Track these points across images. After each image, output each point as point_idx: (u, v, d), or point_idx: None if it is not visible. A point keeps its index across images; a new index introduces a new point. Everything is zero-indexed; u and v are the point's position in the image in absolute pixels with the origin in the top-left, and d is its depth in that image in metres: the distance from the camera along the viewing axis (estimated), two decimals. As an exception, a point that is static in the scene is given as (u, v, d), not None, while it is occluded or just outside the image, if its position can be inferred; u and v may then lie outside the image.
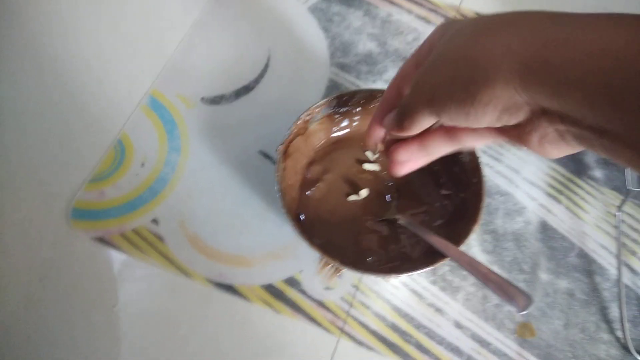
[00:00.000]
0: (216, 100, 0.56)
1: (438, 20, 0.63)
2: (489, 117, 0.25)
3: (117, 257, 0.48)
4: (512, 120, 0.25)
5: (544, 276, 0.48)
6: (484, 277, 0.39)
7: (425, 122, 0.30)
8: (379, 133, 0.37)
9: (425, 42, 0.32)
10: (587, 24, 0.22)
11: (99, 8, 0.62)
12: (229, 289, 0.47)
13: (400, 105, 0.32)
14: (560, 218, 0.51)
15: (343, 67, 0.59)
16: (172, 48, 0.59)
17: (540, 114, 0.24)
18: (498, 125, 0.26)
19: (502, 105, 0.24)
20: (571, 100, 0.22)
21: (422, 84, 0.29)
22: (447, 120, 0.28)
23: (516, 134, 0.27)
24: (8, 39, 0.59)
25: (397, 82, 0.35)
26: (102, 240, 0.48)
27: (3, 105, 0.55)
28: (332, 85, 0.58)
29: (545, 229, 0.51)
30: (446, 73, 0.27)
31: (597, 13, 0.22)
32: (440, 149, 0.34)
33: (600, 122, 0.22)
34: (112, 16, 0.62)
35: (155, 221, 0.49)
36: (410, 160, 0.36)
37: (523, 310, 0.36)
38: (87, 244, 0.48)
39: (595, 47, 0.21)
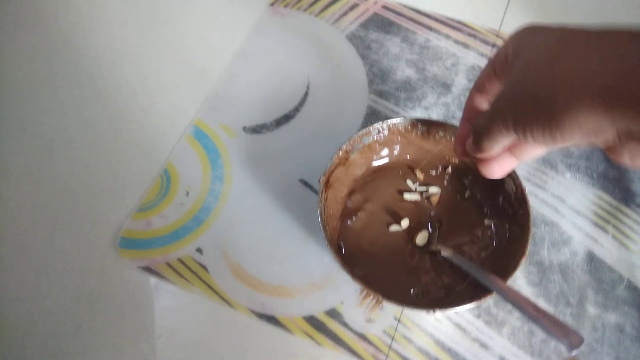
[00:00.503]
0: (257, 130, 0.57)
1: (477, 45, 0.63)
2: (575, 139, 0.26)
3: (163, 286, 0.49)
4: (600, 140, 0.26)
5: (591, 310, 0.47)
6: (533, 314, 0.38)
7: (505, 142, 0.31)
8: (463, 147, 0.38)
9: (501, 50, 0.32)
10: None
11: (145, 40, 0.64)
12: (271, 319, 0.47)
13: (476, 124, 0.33)
14: (607, 249, 0.50)
15: (382, 94, 0.59)
16: (214, 78, 0.61)
17: (629, 134, 0.24)
18: (586, 144, 0.27)
19: (587, 129, 0.25)
20: None
21: (503, 108, 0.29)
22: (531, 141, 0.28)
23: (607, 147, 0.27)
24: (57, 69, 0.62)
25: (475, 90, 0.36)
26: (149, 269, 0.49)
27: (53, 136, 0.57)
28: (371, 113, 0.58)
29: (592, 260, 0.49)
30: (528, 98, 0.27)
31: None
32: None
33: None
34: (156, 47, 0.64)
35: (199, 250, 0.50)
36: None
37: (573, 349, 0.36)
38: (134, 272, 0.49)
39: None
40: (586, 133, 0.25)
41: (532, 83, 0.27)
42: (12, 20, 0.66)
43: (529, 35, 0.30)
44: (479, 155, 0.35)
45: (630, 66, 0.22)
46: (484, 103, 0.37)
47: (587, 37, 0.26)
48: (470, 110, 0.38)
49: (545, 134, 0.27)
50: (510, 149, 0.35)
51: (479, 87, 0.36)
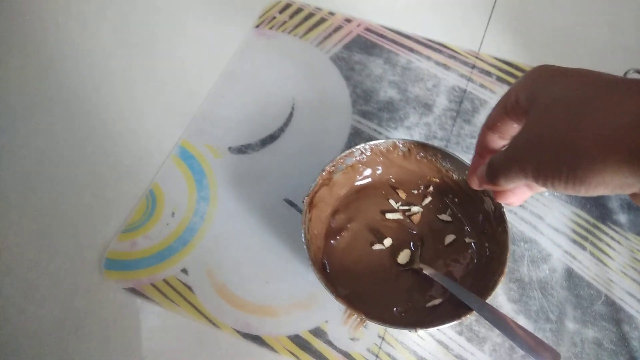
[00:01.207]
0: (243, 150, 0.58)
1: (457, 66, 0.64)
2: (600, 193, 0.26)
3: (148, 308, 0.49)
4: (627, 192, 0.26)
5: (570, 325, 0.48)
6: (511, 331, 0.39)
7: (521, 183, 0.32)
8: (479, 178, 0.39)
9: (511, 90, 0.32)
10: None
11: (132, 61, 0.65)
12: (256, 339, 0.47)
13: (493, 163, 0.33)
14: (585, 265, 0.51)
15: (365, 114, 0.61)
16: (200, 99, 0.62)
17: None
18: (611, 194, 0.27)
19: (614, 185, 0.25)
20: None
21: (523, 157, 0.30)
22: (552, 190, 0.29)
23: (632, 195, 0.27)
24: (45, 90, 0.62)
25: (486, 128, 0.37)
26: (134, 291, 0.49)
27: (40, 157, 0.57)
28: (355, 133, 0.59)
29: (570, 276, 0.51)
30: (550, 150, 0.27)
31: None
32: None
33: None
34: (144, 69, 0.65)
35: (184, 271, 0.50)
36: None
37: (551, 366, 0.37)
38: (119, 294, 0.49)
39: None
40: (612, 189, 0.25)
41: (554, 135, 0.27)
42: (0, 42, 0.67)
43: (545, 79, 0.30)
44: (493, 188, 0.36)
45: None
46: (496, 140, 0.37)
47: (608, 90, 0.26)
48: (482, 147, 0.38)
49: (568, 187, 0.27)
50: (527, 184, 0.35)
51: (490, 126, 0.36)
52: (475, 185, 0.39)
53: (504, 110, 0.33)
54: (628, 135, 0.23)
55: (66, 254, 0.51)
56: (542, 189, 0.35)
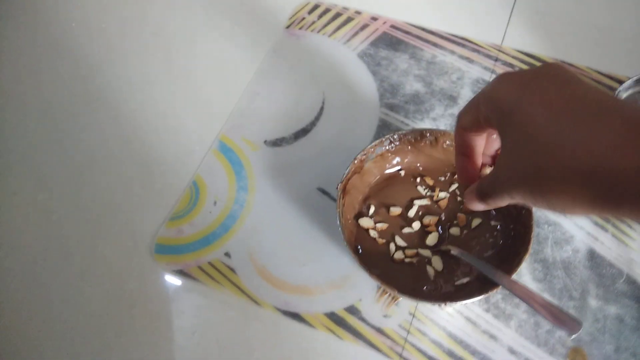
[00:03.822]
0: (277, 143, 0.62)
1: (480, 59, 0.67)
2: (580, 215, 0.29)
3: (195, 288, 0.53)
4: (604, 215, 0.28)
5: (593, 302, 0.50)
6: (536, 304, 0.42)
7: (511, 202, 0.34)
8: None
9: (479, 103, 0.33)
10: None
11: (172, 63, 0.70)
12: (295, 316, 0.51)
13: (482, 190, 0.35)
14: (607, 246, 0.53)
15: (392, 107, 0.64)
16: (237, 96, 0.66)
17: None
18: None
19: (587, 213, 0.28)
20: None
21: (509, 190, 0.31)
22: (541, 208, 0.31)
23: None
24: (90, 92, 0.67)
25: (462, 130, 0.37)
26: (182, 273, 0.54)
27: (91, 153, 0.62)
28: (383, 125, 0.63)
29: (593, 256, 0.53)
30: (529, 184, 0.29)
31: None
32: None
33: None
34: (184, 70, 0.69)
35: (227, 254, 0.54)
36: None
37: (573, 334, 0.39)
38: (168, 276, 0.54)
39: None
40: (589, 214, 0.28)
41: (541, 162, 0.28)
42: (47, 51, 0.72)
43: (515, 98, 0.30)
44: (487, 208, 0.38)
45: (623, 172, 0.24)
46: (474, 138, 0.37)
47: (577, 122, 0.27)
48: (464, 146, 0.38)
49: (551, 210, 0.29)
50: None
51: (465, 129, 0.37)
52: (472, 207, 0.38)
53: (477, 122, 0.34)
54: (595, 174, 0.25)
55: (119, 240, 0.56)
56: None
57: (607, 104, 0.27)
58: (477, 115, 0.34)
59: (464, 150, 0.38)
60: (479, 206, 0.36)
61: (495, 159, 0.39)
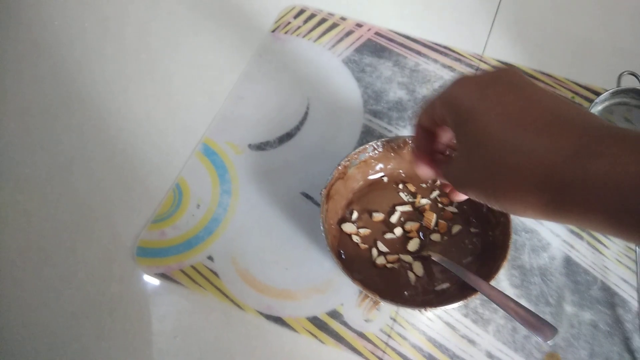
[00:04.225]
0: (261, 147, 0.62)
1: (462, 68, 0.68)
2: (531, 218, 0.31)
3: (177, 291, 0.53)
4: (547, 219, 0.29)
5: (568, 308, 0.52)
6: (513, 310, 0.43)
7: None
8: (428, 173, 0.41)
9: (435, 105, 0.35)
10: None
11: (156, 65, 0.70)
12: (278, 320, 0.51)
13: (448, 179, 0.37)
14: (582, 253, 0.55)
15: (376, 113, 0.65)
16: (221, 99, 0.66)
17: None
18: None
19: (539, 218, 0.29)
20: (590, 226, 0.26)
21: (466, 188, 0.33)
22: None
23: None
24: (75, 93, 0.67)
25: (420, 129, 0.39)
26: (164, 276, 0.53)
27: (73, 154, 0.61)
28: (366, 131, 0.63)
29: (569, 263, 0.54)
30: (483, 186, 0.31)
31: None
32: None
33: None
34: (167, 72, 0.69)
35: (210, 258, 0.54)
36: None
37: (548, 340, 0.40)
38: (150, 279, 0.54)
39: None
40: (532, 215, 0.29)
41: (494, 170, 0.29)
42: (28, 50, 0.71)
43: (476, 101, 0.31)
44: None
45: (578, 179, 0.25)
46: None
47: (527, 131, 0.28)
48: (418, 139, 0.40)
49: (513, 214, 0.32)
50: None
51: (418, 143, 0.40)
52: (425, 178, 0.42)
53: (434, 121, 0.36)
54: (545, 184, 0.27)
55: (101, 243, 0.56)
56: None
57: (560, 112, 0.28)
58: (433, 115, 0.36)
59: (420, 143, 0.40)
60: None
61: (449, 146, 0.41)
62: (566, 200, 0.26)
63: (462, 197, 0.42)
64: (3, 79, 0.68)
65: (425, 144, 0.40)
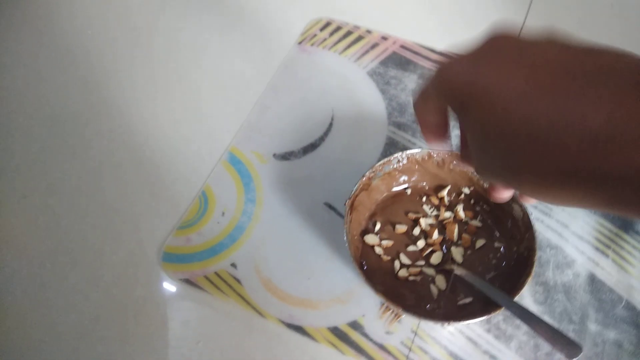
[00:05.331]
0: (286, 157, 0.63)
1: (488, 83, 0.68)
2: (572, 206, 0.25)
3: (201, 297, 0.54)
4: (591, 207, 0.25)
5: (592, 327, 0.51)
6: (536, 326, 0.43)
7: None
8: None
9: (443, 79, 0.29)
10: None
11: (184, 74, 0.71)
12: (299, 329, 0.52)
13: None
14: (607, 271, 0.54)
15: (400, 126, 0.65)
16: (248, 109, 0.67)
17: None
18: None
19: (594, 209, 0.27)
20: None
21: (490, 176, 0.29)
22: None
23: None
24: (105, 102, 0.68)
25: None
26: (188, 282, 0.54)
27: (102, 159, 0.63)
28: (390, 143, 0.64)
29: (593, 281, 0.54)
30: (517, 177, 0.26)
31: None
32: None
33: None
34: (195, 82, 0.70)
35: (234, 265, 0.55)
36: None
37: (572, 358, 0.40)
38: (175, 284, 0.55)
39: None
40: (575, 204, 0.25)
41: (520, 160, 0.24)
42: (61, 58, 0.73)
43: (472, 86, 0.26)
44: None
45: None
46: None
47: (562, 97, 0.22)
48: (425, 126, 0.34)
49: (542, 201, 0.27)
50: None
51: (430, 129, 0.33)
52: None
53: (435, 113, 0.31)
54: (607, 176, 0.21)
55: (128, 248, 0.57)
56: None
57: (587, 68, 0.22)
58: (432, 108, 0.31)
59: (430, 131, 0.34)
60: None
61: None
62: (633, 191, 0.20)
63: (504, 195, 0.38)
64: (37, 86, 0.70)
65: (437, 131, 0.33)
